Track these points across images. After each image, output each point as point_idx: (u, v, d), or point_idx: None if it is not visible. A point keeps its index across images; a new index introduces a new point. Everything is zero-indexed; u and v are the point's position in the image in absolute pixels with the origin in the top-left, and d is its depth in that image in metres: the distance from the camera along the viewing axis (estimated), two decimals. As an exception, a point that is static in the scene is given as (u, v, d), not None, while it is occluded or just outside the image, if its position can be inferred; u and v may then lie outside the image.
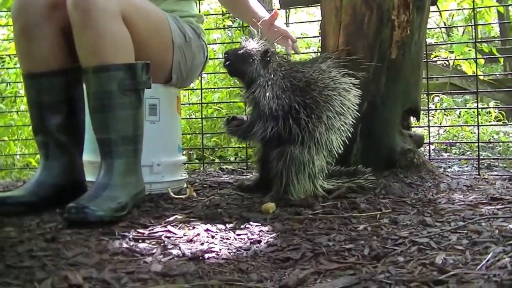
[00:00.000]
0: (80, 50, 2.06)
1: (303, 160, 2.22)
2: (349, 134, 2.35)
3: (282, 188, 2.23)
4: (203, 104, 4.07)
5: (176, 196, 2.36)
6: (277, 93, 2.24)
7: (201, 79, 3.85)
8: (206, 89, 3.89)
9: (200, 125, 3.93)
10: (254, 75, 2.28)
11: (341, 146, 2.33)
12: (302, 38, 5.89)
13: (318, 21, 2.90)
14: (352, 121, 2.35)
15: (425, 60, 3.20)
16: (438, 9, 4.96)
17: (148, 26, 2.24)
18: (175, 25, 2.37)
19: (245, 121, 2.35)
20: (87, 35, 2.01)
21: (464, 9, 5.86)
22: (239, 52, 2.31)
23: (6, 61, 5.42)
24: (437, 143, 4.50)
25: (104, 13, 2.01)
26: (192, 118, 4.41)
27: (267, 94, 2.24)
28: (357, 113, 2.36)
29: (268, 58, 2.29)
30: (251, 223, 1.89)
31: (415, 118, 2.75)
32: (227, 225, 1.87)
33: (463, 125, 5.15)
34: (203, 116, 3.99)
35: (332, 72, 2.34)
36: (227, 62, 2.32)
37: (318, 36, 3.16)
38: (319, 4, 2.75)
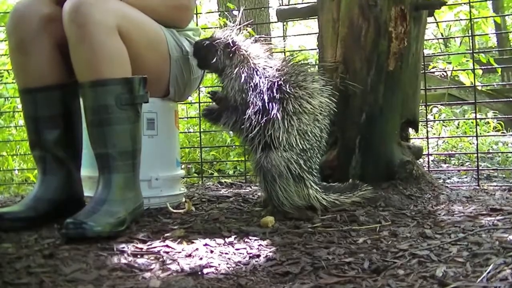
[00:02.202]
0: (77, 64, 2.05)
1: (278, 165, 2.16)
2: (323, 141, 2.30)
3: (274, 200, 2.20)
4: (201, 118, 4.06)
5: (174, 211, 2.35)
6: (243, 87, 2.20)
7: (199, 93, 3.84)
8: (204, 102, 3.88)
9: (199, 138, 3.93)
10: (220, 66, 2.27)
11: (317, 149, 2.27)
12: (300, 50, 5.89)
13: (315, 33, 2.90)
14: (327, 126, 2.30)
15: (423, 71, 3.20)
16: (435, 20, 4.97)
17: (145, 40, 2.23)
18: (172, 38, 2.37)
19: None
20: (83, 50, 2.01)
21: (461, 20, 5.87)
22: (204, 43, 2.30)
23: (4, 76, 5.42)
24: (436, 154, 4.50)
25: (100, 27, 2.00)
26: (191, 132, 4.41)
27: (234, 85, 2.22)
28: (356, 125, 2.36)
29: (232, 49, 2.25)
30: (250, 237, 1.88)
31: (413, 129, 2.75)
32: (226, 239, 1.86)
33: (462, 136, 5.15)
34: (202, 130, 3.98)
35: (301, 75, 2.26)
36: (193, 53, 2.33)
37: (315, 49, 3.16)
38: (316, 17, 2.75)
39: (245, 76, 2.20)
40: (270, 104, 2.16)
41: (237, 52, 2.26)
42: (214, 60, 2.27)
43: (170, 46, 2.35)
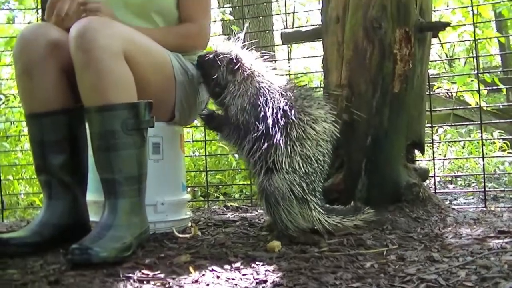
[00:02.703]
0: (83, 89, 2.06)
1: (280, 187, 2.15)
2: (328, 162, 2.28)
3: (278, 224, 2.19)
4: (206, 141, 4.07)
5: (180, 236, 2.34)
6: (246, 106, 2.19)
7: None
8: (209, 127, 3.89)
9: (204, 162, 3.93)
10: (222, 82, 2.24)
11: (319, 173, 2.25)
12: (306, 73, 5.90)
13: (320, 56, 2.90)
14: (330, 151, 2.28)
15: (428, 92, 3.20)
16: (440, 41, 4.98)
17: (150, 64, 2.24)
18: (177, 62, 2.38)
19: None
20: (89, 75, 2.02)
21: (465, 40, 5.88)
22: (207, 57, 2.29)
23: (10, 100, 5.45)
24: (442, 176, 4.48)
25: (105, 52, 2.01)
26: (196, 156, 4.41)
27: (237, 103, 2.20)
28: (361, 148, 2.36)
29: (236, 65, 2.24)
30: (256, 262, 1.87)
31: (419, 151, 2.74)
32: (232, 264, 1.84)
33: (468, 157, 5.13)
34: (207, 153, 3.98)
35: (306, 100, 2.25)
36: (196, 67, 2.33)
37: (320, 71, 3.16)
38: (321, 40, 2.76)
39: (248, 95, 2.20)
40: (274, 129, 2.14)
41: (240, 68, 2.24)
42: (216, 75, 2.25)
43: (176, 70, 2.35)
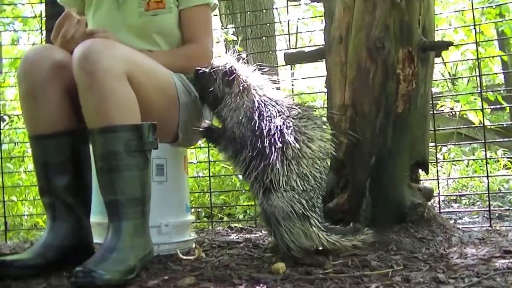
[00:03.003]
0: (86, 111, 2.06)
1: (281, 206, 2.13)
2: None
3: (280, 245, 2.17)
4: (210, 162, 4.06)
5: (185, 257, 2.33)
6: (242, 120, 2.18)
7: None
8: (213, 147, 3.88)
9: (208, 183, 3.92)
10: (219, 94, 2.24)
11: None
12: (309, 93, 5.91)
13: (323, 76, 2.91)
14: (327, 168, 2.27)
15: (432, 111, 3.19)
16: (443, 60, 4.99)
17: (153, 86, 2.24)
18: (180, 83, 2.38)
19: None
20: (93, 97, 2.02)
21: (468, 59, 5.89)
22: (203, 71, 2.29)
23: (14, 121, 5.46)
24: (446, 195, 4.47)
25: (109, 74, 2.02)
26: (200, 177, 4.41)
27: (233, 117, 2.20)
28: (366, 168, 2.35)
29: (231, 77, 2.23)
30: (261, 284, 1.85)
31: (423, 171, 2.73)
32: (237, 287, 1.83)
33: (472, 176, 5.12)
34: (211, 174, 3.98)
35: (303, 120, 2.23)
36: (193, 82, 2.34)
37: (323, 91, 3.17)
38: (324, 59, 2.76)
39: (244, 108, 2.19)
40: (270, 149, 2.13)
41: (236, 80, 2.24)
42: (213, 88, 2.24)
43: (179, 90, 2.36)
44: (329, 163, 2.29)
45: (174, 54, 2.48)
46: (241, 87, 2.23)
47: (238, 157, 2.21)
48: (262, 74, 2.30)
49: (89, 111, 2.06)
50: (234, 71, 2.24)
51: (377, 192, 2.48)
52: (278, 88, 2.35)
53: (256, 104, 2.19)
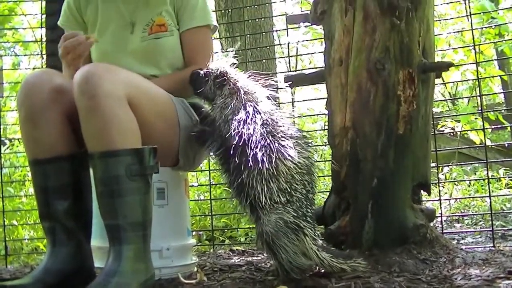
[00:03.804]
0: (87, 135, 2.06)
1: (272, 224, 2.14)
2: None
3: (280, 269, 2.17)
4: (212, 185, 4.06)
5: (186, 281, 2.31)
6: (228, 118, 2.22)
7: (209, 160, 3.84)
8: (213, 170, 3.89)
9: (209, 205, 3.91)
10: (210, 96, 2.33)
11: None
12: (310, 115, 5.92)
13: (323, 98, 2.91)
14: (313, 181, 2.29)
15: (433, 131, 3.19)
16: (443, 80, 4.99)
17: (154, 110, 2.25)
18: (181, 107, 2.39)
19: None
20: (93, 121, 2.02)
21: (468, 80, 5.90)
22: (198, 73, 2.35)
23: (15, 145, 5.46)
24: (449, 216, 4.45)
25: (110, 98, 2.02)
26: (201, 200, 4.39)
27: (222, 115, 2.24)
28: (368, 190, 2.35)
29: (222, 80, 2.30)
30: (263, 308, 1.85)
31: (425, 192, 2.73)
32: (239, 311, 1.82)
33: (474, 197, 5.11)
34: (212, 197, 3.97)
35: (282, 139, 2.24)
36: (189, 82, 2.38)
37: (324, 113, 3.17)
38: (325, 82, 2.76)
39: (232, 107, 2.24)
40: (247, 165, 2.16)
41: (227, 83, 2.30)
42: (204, 89, 2.32)
43: (179, 115, 2.36)
44: (312, 178, 2.29)
45: (174, 78, 2.50)
46: (231, 89, 2.29)
47: (224, 166, 2.27)
48: (254, 79, 2.36)
49: (90, 135, 2.05)
50: (225, 74, 2.31)
51: (379, 214, 2.47)
52: (274, 99, 2.37)
53: (243, 107, 2.24)
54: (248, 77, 2.35)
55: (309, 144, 2.33)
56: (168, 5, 2.56)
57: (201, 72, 2.35)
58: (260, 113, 2.23)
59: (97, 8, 2.61)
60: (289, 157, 2.18)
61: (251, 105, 2.24)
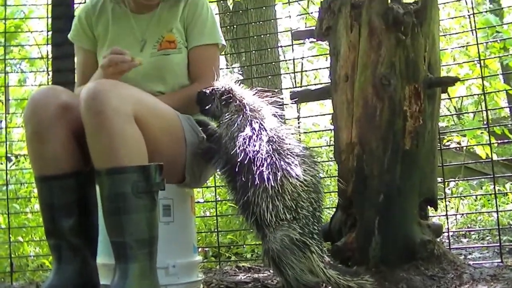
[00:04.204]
0: (94, 152, 2.06)
1: (278, 241, 2.14)
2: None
3: (287, 286, 2.16)
4: (218, 202, 4.05)
5: (192, 299, 2.31)
6: (234, 135, 2.22)
7: (214, 176, 3.83)
8: (219, 186, 3.88)
9: (215, 222, 3.90)
10: (217, 113, 2.33)
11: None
12: (316, 131, 5.91)
13: (328, 114, 2.91)
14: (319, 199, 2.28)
15: (439, 147, 3.18)
16: (449, 95, 4.99)
17: (160, 126, 2.24)
18: (187, 124, 2.39)
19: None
20: (100, 137, 2.02)
21: (474, 95, 5.89)
22: (204, 91, 2.36)
23: (21, 161, 5.47)
24: (456, 231, 4.43)
25: (117, 115, 2.02)
26: (207, 216, 4.38)
27: (228, 133, 2.24)
28: (374, 206, 2.34)
29: (228, 97, 2.31)
30: (270, 326, 1.83)
31: (432, 207, 2.71)
32: (246, 329, 1.81)
33: (481, 212, 5.08)
34: (218, 214, 3.96)
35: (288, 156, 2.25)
36: (196, 102, 2.39)
37: (330, 129, 3.16)
38: (330, 98, 2.76)
39: (239, 125, 2.24)
40: (253, 182, 2.16)
41: (233, 100, 2.31)
42: (211, 107, 2.33)
43: (186, 131, 2.35)
44: (319, 196, 2.29)
45: (179, 96, 2.50)
46: (237, 106, 2.29)
47: (230, 184, 2.28)
48: (259, 96, 2.37)
49: (96, 151, 2.05)
50: (230, 91, 2.32)
51: (386, 230, 2.46)
52: (279, 115, 2.38)
53: (249, 123, 2.24)
54: (253, 94, 2.36)
55: (316, 163, 2.33)
56: (178, 22, 2.57)
57: (207, 91, 2.35)
58: (266, 130, 2.24)
59: (108, 24, 2.62)
60: (294, 175, 2.18)
61: (257, 122, 2.25)
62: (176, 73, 2.54)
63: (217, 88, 2.35)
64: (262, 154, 2.17)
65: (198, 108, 2.39)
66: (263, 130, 2.23)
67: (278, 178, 2.16)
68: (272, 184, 2.14)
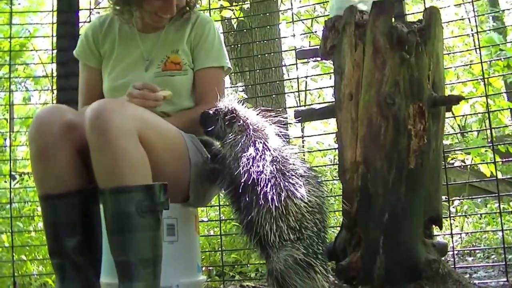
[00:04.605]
0: (98, 171, 2.06)
1: (283, 259, 2.13)
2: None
3: None
4: (221, 220, 4.04)
5: (197, 318, 2.30)
6: (238, 155, 2.22)
7: (218, 195, 3.83)
8: (223, 205, 3.88)
9: (219, 240, 3.89)
10: (221, 134, 2.33)
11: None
12: (320, 150, 5.91)
13: (332, 133, 2.90)
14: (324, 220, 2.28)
15: (444, 165, 3.17)
16: (453, 114, 4.98)
17: (164, 145, 2.25)
18: (192, 143, 2.39)
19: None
20: (104, 156, 2.02)
21: (478, 113, 5.89)
22: (207, 112, 2.36)
23: (24, 179, 5.47)
24: (461, 250, 4.41)
25: (121, 133, 2.02)
26: (211, 235, 4.37)
27: (232, 153, 2.24)
28: (379, 225, 2.33)
29: (231, 117, 2.31)
30: None
31: (437, 226, 2.70)
32: None
33: (487, 231, 5.06)
34: (222, 233, 3.95)
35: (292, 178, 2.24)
36: (199, 122, 2.39)
37: (334, 148, 3.16)
38: (335, 117, 2.76)
39: (243, 145, 2.23)
40: (257, 202, 2.15)
41: (236, 120, 2.30)
42: (214, 127, 2.33)
43: (190, 150, 2.35)
44: (324, 217, 2.29)
45: (184, 117, 2.50)
46: (240, 127, 2.29)
47: (234, 204, 2.27)
48: (263, 117, 2.37)
49: (100, 170, 2.06)
50: (234, 112, 2.32)
51: (391, 250, 2.44)
52: (283, 135, 2.38)
53: (252, 144, 2.24)
54: (257, 114, 2.36)
55: (321, 183, 2.33)
56: (185, 44, 2.59)
57: (211, 111, 2.36)
58: (269, 150, 2.23)
59: (114, 42, 2.64)
60: (299, 196, 2.17)
61: (260, 142, 2.24)
62: (180, 94, 2.55)
63: (221, 109, 2.35)
64: (266, 175, 2.16)
65: (202, 129, 2.40)
66: (266, 150, 2.23)
67: (282, 199, 2.15)
68: (276, 205, 2.13)
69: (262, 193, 2.14)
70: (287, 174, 2.21)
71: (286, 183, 2.18)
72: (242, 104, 2.38)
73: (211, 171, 2.34)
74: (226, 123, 2.32)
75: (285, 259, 2.12)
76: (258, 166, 2.17)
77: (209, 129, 2.35)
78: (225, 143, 2.31)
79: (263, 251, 2.20)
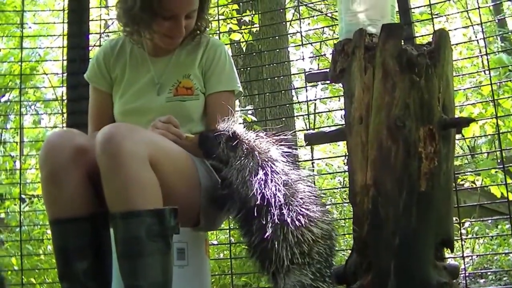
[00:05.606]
0: (108, 195, 2.06)
1: (292, 285, 2.13)
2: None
3: None
4: (231, 244, 4.03)
5: None
6: (246, 179, 2.20)
7: (229, 219, 3.83)
8: (233, 228, 3.87)
9: (229, 264, 3.88)
10: (224, 158, 2.29)
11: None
12: (330, 173, 5.90)
13: (340, 156, 2.90)
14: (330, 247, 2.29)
15: (454, 188, 3.15)
16: (463, 136, 4.97)
17: (176, 170, 2.25)
18: (202, 168, 2.39)
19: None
20: (115, 181, 2.02)
21: (488, 135, 5.88)
22: (208, 135, 2.34)
23: (34, 202, 5.48)
24: (472, 272, 4.37)
25: (132, 158, 2.02)
26: (221, 258, 4.36)
27: (238, 177, 2.21)
28: (390, 249, 2.31)
29: (235, 141, 2.28)
30: None
31: (449, 249, 2.68)
32: None
33: (499, 253, 5.03)
34: (232, 256, 3.93)
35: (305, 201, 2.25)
36: (199, 144, 2.36)
37: (344, 171, 3.15)
38: (345, 140, 2.75)
39: (250, 169, 2.22)
40: (272, 226, 2.14)
41: (240, 144, 2.28)
42: (216, 152, 2.29)
43: (201, 175, 2.36)
44: (334, 242, 2.31)
45: (194, 141, 2.50)
46: (245, 150, 2.26)
47: (244, 228, 2.25)
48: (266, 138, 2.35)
49: (111, 195, 2.06)
50: (237, 136, 2.30)
51: (402, 273, 2.42)
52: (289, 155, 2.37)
53: (260, 167, 2.22)
54: (257, 136, 2.34)
55: (328, 210, 2.34)
56: (196, 69, 2.60)
57: (211, 134, 2.33)
58: (278, 173, 2.22)
59: (125, 66, 2.65)
60: (314, 221, 2.17)
61: (267, 165, 2.24)
62: (192, 118, 2.55)
63: (223, 132, 2.32)
64: (279, 197, 2.16)
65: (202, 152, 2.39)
66: (275, 173, 2.22)
67: (300, 224, 2.14)
68: (292, 229, 2.12)
69: (278, 216, 2.13)
70: (302, 198, 2.20)
71: (303, 208, 2.17)
72: (244, 127, 2.38)
73: (219, 198, 2.33)
74: (229, 147, 2.29)
75: (293, 285, 2.10)
76: (270, 189, 2.16)
77: (210, 152, 2.33)
78: (230, 168, 2.28)
79: (273, 277, 2.19)
